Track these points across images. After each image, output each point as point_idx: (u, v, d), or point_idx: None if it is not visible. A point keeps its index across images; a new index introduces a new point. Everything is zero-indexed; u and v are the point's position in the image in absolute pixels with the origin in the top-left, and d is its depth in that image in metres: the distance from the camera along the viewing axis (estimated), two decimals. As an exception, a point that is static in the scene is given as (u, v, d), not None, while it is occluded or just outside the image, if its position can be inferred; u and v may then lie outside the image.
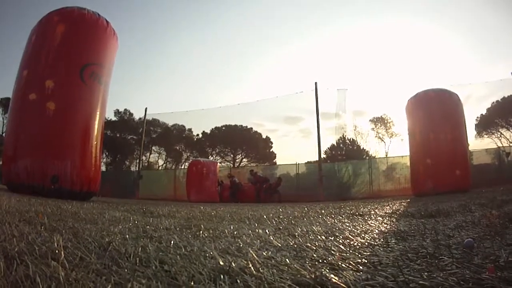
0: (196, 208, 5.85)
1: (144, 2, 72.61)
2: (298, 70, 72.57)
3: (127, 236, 1.88)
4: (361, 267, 1.21)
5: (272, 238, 1.91)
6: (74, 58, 7.54)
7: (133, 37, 67.07)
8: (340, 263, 1.25)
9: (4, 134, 11.85)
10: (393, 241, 1.78)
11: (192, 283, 1.00)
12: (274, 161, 43.85)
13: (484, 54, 61.44)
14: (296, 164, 24.32)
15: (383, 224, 2.73)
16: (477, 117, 39.75)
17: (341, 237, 1.98)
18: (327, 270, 1.15)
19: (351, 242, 1.76)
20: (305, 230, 2.36)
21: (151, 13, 71.84)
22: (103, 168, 34.73)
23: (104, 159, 41.92)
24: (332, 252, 1.51)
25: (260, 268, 1.14)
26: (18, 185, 6.67)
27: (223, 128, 44.74)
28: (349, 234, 2.09)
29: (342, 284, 0.98)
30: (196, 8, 73.73)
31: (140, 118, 40.22)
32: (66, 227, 2.12)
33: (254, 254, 1.37)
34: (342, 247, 1.61)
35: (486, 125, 40.08)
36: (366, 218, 3.39)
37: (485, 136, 40.77)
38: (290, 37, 75.76)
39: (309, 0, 71.54)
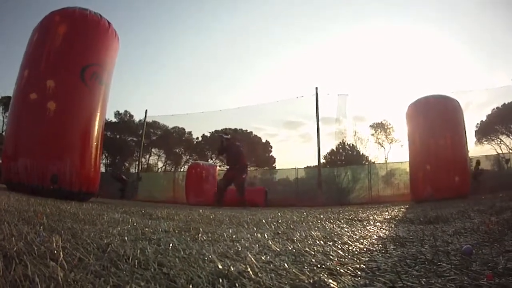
0: (195, 211, 5.84)
1: (146, 5, 72.77)
2: (299, 74, 72.76)
3: (126, 238, 1.88)
4: (359, 273, 1.21)
5: (270, 243, 1.91)
6: (75, 59, 7.54)
7: (134, 39, 67.36)
8: (338, 269, 1.26)
9: (4, 133, 11.83)
10: (391, 247, 1.78)
11: (191, 286, 1.00)
12: (274, 165, 43.86)
13: (485, 61, 61.75)
14: (295, 168, 24.30)
15: (381, 229, 2.73)
16: (477, 124, 39.87)
17: (339, 242, 1.98)
18: (326, 275, 1.15)
19: (350, 248, 1.76)
20: (304, 235, 2.36)
21: (152, 15, 72.14)
22: (103, 169, 34.75)
23: (104, 160, 41.92)
24: (331, 257, 1.51)
25: (258, 272, 1.14)
26: (17, 184, 6.67)
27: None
28: (348, 239, 2.09)
29: (340, 289, 0.99)
30: (197, 11, 74.02)
31: (140, 120, 40.39)
32: (65, 228, 2.11)
33: (252, 258, 1.37)
34: (341, 253, 1.61)
35: (486, 131, 40.20)
36: (365, 223, 3.39)
37: (485, 142, 40.91)
38: (291, 42, 76.06)
39: (311, 4, 71.70)
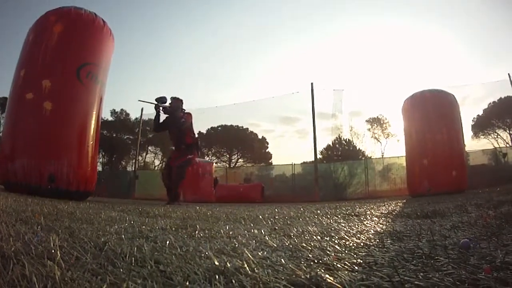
0: (192, 208, 5.84)
1: (141, 3, 72.58)
2: (295, 70, 72.75)
3: (123, 236, 1.88)
4: (356, 267, 1.21)
5: (267, 238, 1.91)
6: (71, 58, 7.51)
7: (129, 37, 67.15)
8: (335, 264, 1.26)
9: (1, 134, 11.75)
10: (388, 241, 1.78)
11: (187, 283, 1.00)
12: (270, 161, 43.96)
13: (481, 55, 61.76)
14: (292, 164, 24.36)
15: (378, 224, 2.73)
16: (474, 118, 39.97)
17: (336, 237, 1.98)
18: (322, 270, 1.15)
19: (347, 243, 1.76)
20: (300, 230, 2.36)
21: (148, 13, 71.88)
22: (99, 168, 34.72)
23: (101, 159, 41.90)
24: (328, 252, 1.51)
25: (255, 268, 1.14)
26: (15, 184, 6.65)
27: (219, 128, 44.84)
28: (345, 234, 2.09)
29: (337, 284, 0.99)
30: (192, 8, 73.76)
31: (136, 118, 40.41)
32: (63, 227, 2.11)
33: (249, 254, 1.37)
34: (338, 248, 1.61)
35: (482, 126, 40.30)
36: (362, 218, 3.40)
37: (481, 137, 41.03)
38: (287, 37, 76.01)
39: (306, 1, 71.63)
